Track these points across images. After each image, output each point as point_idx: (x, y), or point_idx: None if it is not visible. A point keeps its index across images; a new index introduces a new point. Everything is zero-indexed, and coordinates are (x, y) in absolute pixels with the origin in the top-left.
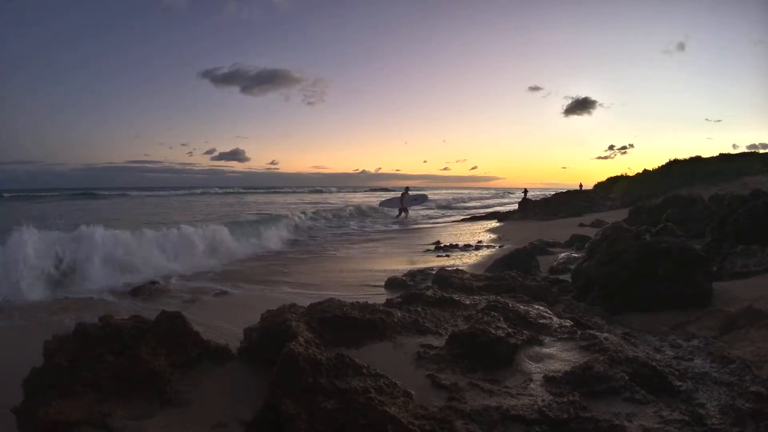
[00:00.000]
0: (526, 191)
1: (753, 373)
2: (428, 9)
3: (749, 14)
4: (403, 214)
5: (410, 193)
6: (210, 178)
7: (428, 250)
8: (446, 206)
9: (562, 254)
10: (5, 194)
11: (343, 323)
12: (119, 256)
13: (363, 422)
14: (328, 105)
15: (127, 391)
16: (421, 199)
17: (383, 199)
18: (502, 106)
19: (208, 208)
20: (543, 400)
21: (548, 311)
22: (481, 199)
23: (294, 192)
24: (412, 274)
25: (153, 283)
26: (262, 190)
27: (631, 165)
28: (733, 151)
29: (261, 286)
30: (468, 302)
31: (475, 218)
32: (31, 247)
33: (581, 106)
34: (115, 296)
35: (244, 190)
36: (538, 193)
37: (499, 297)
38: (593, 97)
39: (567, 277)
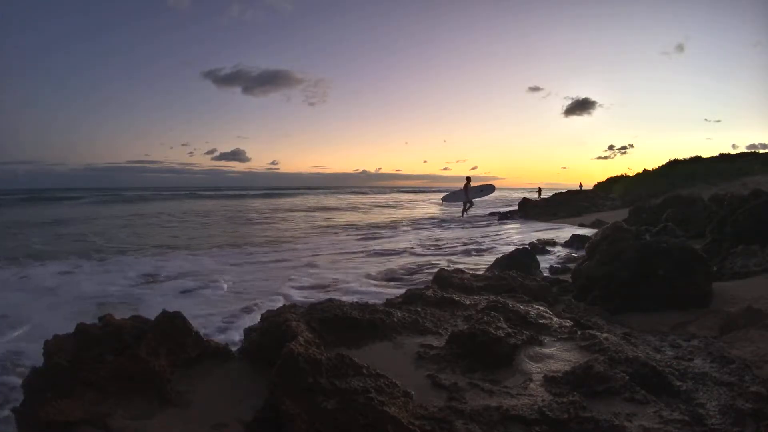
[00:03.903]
0: (539, 190)
1: (753, 373)
2: (429, 9)
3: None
4: (468, 205)
5: (472, 184)
6: (210, 178)
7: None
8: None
9: (562, 254)
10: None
11: (343, 323)
12: None
13: (363, 422)
14: (329, 105)
15: (127, 391)
16: (488, 190)
17: (446, 194)
18: (502, 107)
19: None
20: (543, 400)
21: (548, 311)
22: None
23: (303, 194)
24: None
25: None
26: (267, 191)
27: (631, 165)
28: (733, 151)
29: None
30: (468, 302)
31: (474, 217)
32: None
33: (581, 106)
34: None
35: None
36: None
37: (499, 297)
38: (593, 98)
39: (567, 277)
